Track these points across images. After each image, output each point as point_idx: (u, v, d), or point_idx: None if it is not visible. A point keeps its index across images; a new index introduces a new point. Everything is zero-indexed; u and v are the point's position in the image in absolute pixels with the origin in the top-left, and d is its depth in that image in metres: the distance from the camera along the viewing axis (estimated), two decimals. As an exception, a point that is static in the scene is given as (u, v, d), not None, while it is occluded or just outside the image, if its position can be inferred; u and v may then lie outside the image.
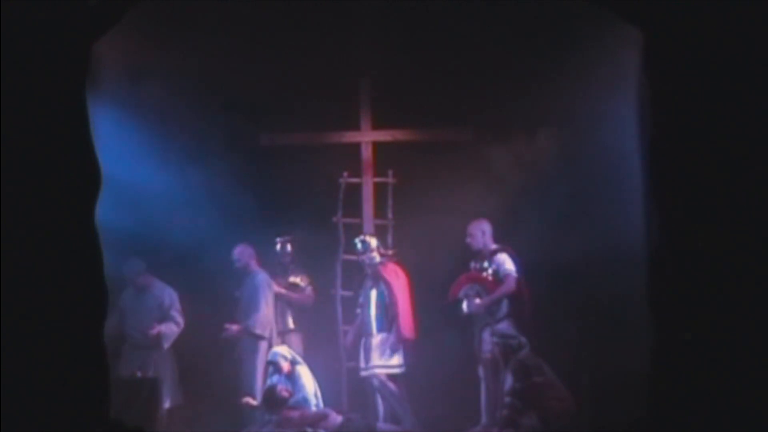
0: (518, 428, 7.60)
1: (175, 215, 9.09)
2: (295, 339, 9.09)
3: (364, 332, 8.82)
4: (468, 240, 8.66)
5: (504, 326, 8.37)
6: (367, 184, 9.25)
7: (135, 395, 7.72)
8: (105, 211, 4.58)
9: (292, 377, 8.45)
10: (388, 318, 8.71)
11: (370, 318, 8.78)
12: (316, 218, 9.12)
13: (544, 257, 8.62)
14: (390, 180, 9.22)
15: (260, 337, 8.88)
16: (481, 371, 8.45)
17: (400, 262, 8.97)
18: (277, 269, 9.23)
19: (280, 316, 9.14)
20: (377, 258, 8.82)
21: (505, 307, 8.45)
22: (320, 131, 9.41)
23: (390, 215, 9.18)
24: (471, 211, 8.78)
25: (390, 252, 8.97)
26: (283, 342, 8.99)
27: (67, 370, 4.10)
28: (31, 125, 4.19)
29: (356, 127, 9.33)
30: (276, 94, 9.25)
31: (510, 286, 8.44)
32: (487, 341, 8.43)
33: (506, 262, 8.52)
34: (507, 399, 7.72)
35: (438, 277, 8.85)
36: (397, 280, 8.82)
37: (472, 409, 8.40)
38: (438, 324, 8.74)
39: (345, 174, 9.23)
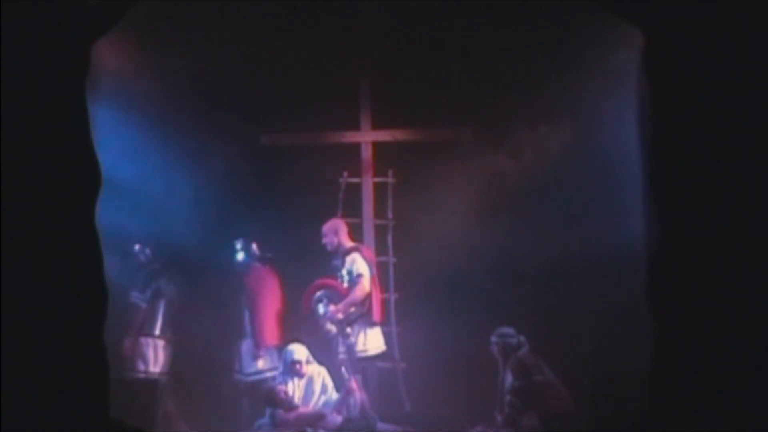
0: (518, 428, 7.60)
1: (175, 215, 9.09)
2: (161, 344, 9.00)
3: (239, 335, 8.98)
4: (324, 241, 8.79)
5: (359, 327, 8.53)
6: (367, 184, 9.26)
7: (135, 395, 7.72)
8: (105, 211, 4.58)
9: (311, 379, 8.37)
10: (252, 323, 8.89)
11: (244, 321, 8.97)
12: (316, 218, 9.12)
13: (543, 257, 8.62)
14: (390, 180, 9.22)
15: None
16: (344, 371, 8.51)
17: (274, 266, 9.07)
18: (139, 275, 9.07)
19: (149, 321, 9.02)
20: (244, 260, 8.98)
21: (355, 309, 8.49)
22: (320, 131, 9.42)
23: (390, 215, 9.19)
24: (471, 211, 8.78)
25: (268, 255, 9.04)
26: (146, 346, 8.89)
27: (67, 370, 4.10)
28: (31, 125, 4.19)
29: (356, 127, 9.34)
30: (276, 94, 9.26)
31: (363, 288, 8.50)
32: (343, 344, 8.48)
33: (357, 263, 8.62)
34: (507, 397, 7.72)
35: (437, 275, 8.86)
36: (259, 285, 8.89)
37: (473, 409, 8.41)
38: (438, 321, 8.75)
39: (345, 174, 9.23)
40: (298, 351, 8.40)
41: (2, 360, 4.02)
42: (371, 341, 8.61)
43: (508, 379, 7.80)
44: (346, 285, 8.64)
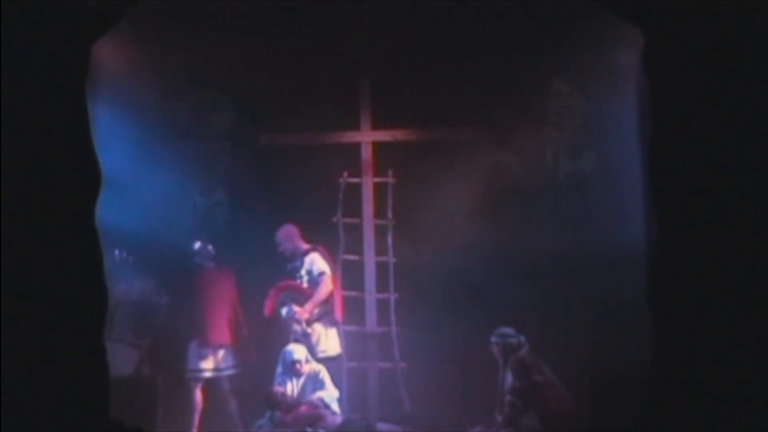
0: (518, 428, 7.60)
1: (175, 215, 9.09)
2: (119, 347, 8.99)
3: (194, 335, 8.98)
4: (280, 249, 8.84)
5: (320, 328, 8.56)
6: (367, 184, 9.24)
7: (135, 395, 7.72)
8: (105, 211, 4.58)
9: (312, 378, 8.36)
10: (200, 323, 8.88)
11: (195, 321, 8.93)
12: (316, 218, 9.12)
13: (544, 257, 8.63)
14: (390, 180, 9.21)
15: None
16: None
17: (230, 268, 9.06)
18: (121, 277, 9.01)
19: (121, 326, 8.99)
20: (202, 262, 8.97)
21: (319, 308, 8.57)
22: (320, 131, 9.40)
23: (390, 215, 9.18)
24: (471, 211, 8.78)
25: (224, 256, 9.08)
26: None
27: (67, 370, 4.10)
28: (32, 125, 4.19)
29: (356, 127, 9.32)
30: (276, 94, 9.25)
31: (327, 286, 8.59)
32: (305, 344, 8.50)
33: (316, 262, 8.69)
34: (507, 397, 7.72)
35: (437, 275, 8.86)
36: (213, 287, 8.91)
37: (473, 409, 8.41)
38: (438, 321, 8.76)
39: (345, 174, 9.22)
40: (298, 351, 8.39)
41: (2, 360, 4.02)
42: (331, 342, 8.66)
43: (508, 379, 7.80)
44: (306, 285, 8.70)
